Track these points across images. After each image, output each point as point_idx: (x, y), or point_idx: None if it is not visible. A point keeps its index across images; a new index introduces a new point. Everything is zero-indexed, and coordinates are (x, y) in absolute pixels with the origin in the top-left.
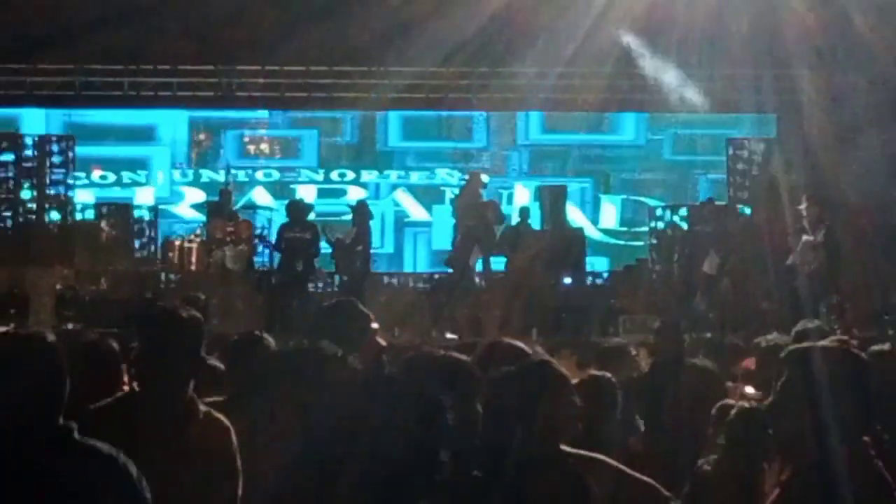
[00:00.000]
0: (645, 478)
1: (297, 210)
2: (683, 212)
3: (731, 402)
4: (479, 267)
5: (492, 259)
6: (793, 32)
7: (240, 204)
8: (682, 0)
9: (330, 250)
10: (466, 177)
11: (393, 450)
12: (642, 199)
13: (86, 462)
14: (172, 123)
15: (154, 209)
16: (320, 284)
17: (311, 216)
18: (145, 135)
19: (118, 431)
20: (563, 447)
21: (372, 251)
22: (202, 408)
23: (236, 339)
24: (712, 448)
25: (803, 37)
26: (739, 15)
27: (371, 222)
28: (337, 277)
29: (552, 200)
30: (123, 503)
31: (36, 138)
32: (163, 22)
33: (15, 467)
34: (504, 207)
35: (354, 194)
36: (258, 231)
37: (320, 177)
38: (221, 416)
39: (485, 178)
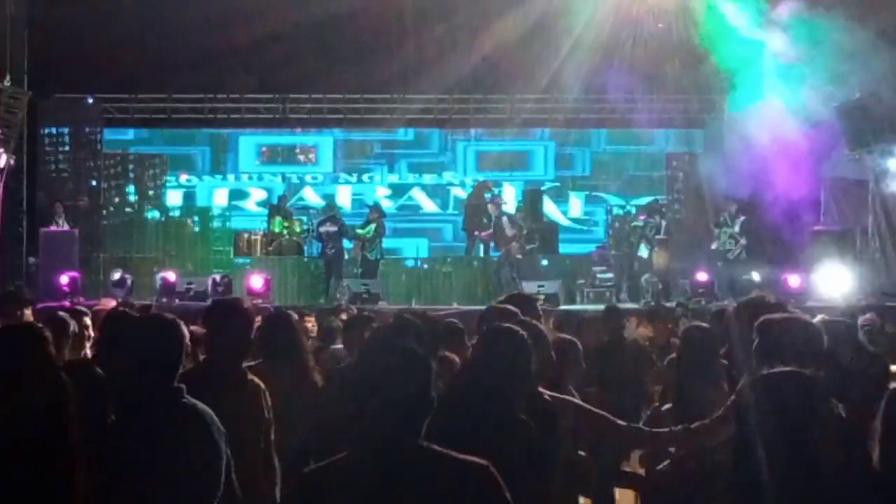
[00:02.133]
0: (601, 412)
1: (327, 209)
2: (632, 208)
3: None
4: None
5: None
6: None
7: (293, 200)
8: (628, 49)
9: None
10: (474, 183)
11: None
12: (601, 194)
13: (190, 417)
14: (242, 139)
15: (227, 208)
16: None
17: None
18: (223, 146)
19: (194, 392)
20: (540, 389)
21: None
22: (249, 376)
23: (269, 313)
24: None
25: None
26: (672, 57)
27: (384, 219)
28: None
29: (532, 198)
30: (212, 449)
31: (137, 155)
32: (233, 63)
33: (140, 419)
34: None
35: (381, 192)
36: (306, 227)
37: (354, 179)
38: (258, 380)
39: (489, 184)
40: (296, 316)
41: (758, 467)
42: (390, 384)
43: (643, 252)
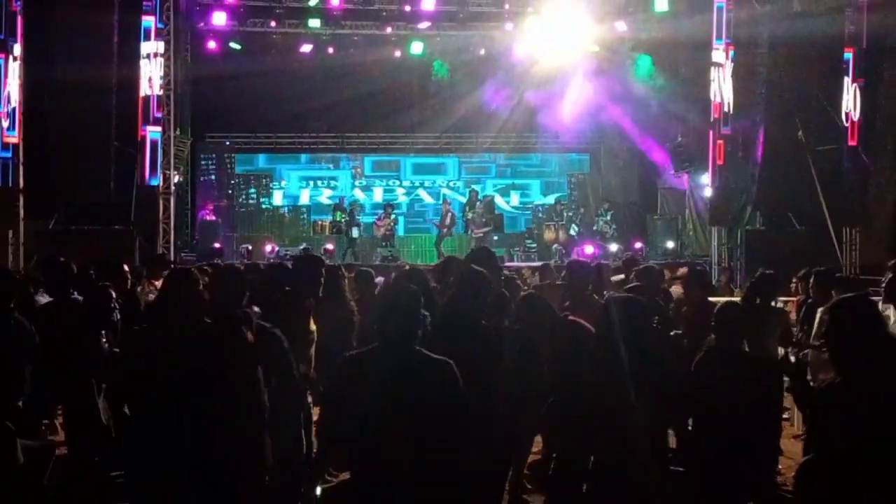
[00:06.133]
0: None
1: (351, 205)
2: (545, 206)
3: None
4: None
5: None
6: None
7: (349, 195)
8: (545, 109)
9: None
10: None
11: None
12: (528, 192)
13: (261, 330)
14: (317, 160)
15: (309, 204)
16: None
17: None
18: (306, 164)
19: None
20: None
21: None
22: (305, 304)
23: (299, 256)
24: None
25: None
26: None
27: (395, 212)
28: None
29: (488, 199)
30: (279, 351)
31: (255, 173)
32: (311, 116)
33: (230, 330)
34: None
35: (400, 191)
36: (355, 219)
37: (383, 182)
38: (307, 307)
39: (477, 189)
40: (343, 268)
41: (611, 361)
42: (395, 309)
43: (548, 234)
